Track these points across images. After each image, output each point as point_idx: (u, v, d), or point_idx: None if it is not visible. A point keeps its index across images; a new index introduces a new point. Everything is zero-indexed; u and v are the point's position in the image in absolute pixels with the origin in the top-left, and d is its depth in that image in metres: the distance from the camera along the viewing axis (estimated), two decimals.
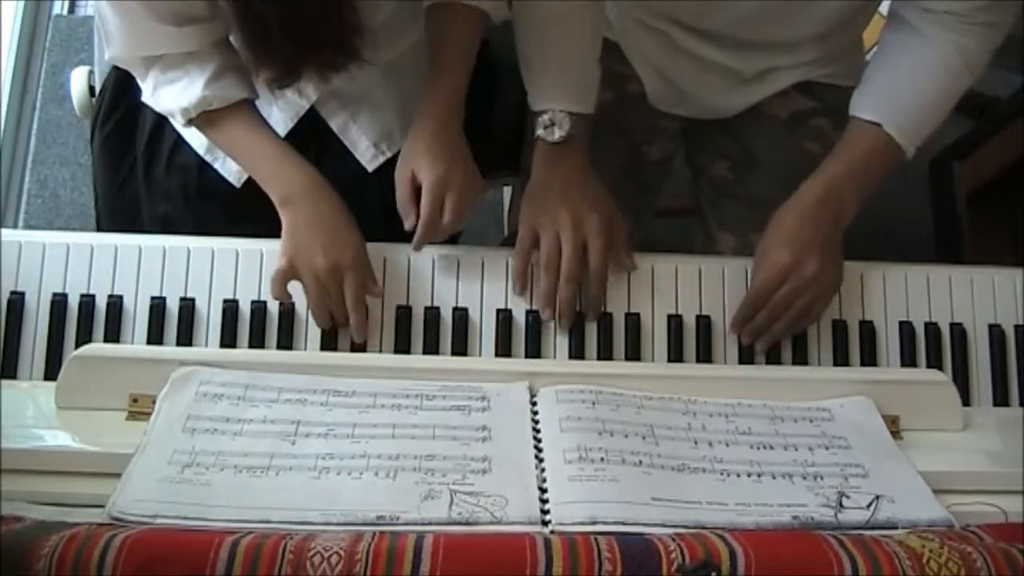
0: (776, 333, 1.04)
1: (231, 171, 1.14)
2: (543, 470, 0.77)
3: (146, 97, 1.06)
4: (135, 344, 0.99)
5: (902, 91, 1.06)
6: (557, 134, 1.05)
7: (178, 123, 1.07)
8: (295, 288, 1.01)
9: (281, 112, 1.14)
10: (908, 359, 1.04)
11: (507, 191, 1.66)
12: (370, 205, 1.12)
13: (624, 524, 0.71)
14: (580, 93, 1.07)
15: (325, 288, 0.99)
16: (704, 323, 1.04)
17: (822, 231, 1.04)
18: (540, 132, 1.06)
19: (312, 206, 1.01)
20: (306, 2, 0.93)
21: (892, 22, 1.08)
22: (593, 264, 1.02)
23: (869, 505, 0.75)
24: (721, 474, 0.79)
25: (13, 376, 0.98)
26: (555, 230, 1.03)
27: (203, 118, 1.03)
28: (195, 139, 1.15)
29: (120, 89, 1.20)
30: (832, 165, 1.06)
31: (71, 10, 2.25)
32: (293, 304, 1.01)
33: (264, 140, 1.05)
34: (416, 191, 1.02)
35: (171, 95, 1.02)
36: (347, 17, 0.97)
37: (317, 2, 0.94)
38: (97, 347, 0.96)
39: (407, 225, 1.02)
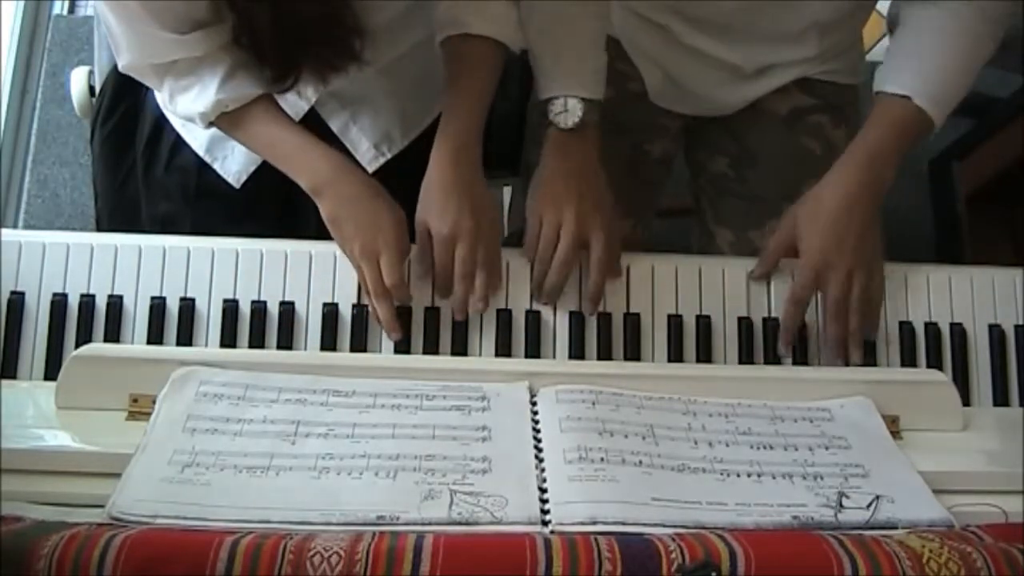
0: (859, 328, 1.02)
1: (230, 172, 1.14)
2: (543, 470, 0.77)
3: (163, 105, 1.05)
4: (135, 344, 0.99)
5: (926, 61, 1.05)
6: (571, 120, 1.04)
7: (199, 127, 1.06)
8: (295, 289, 1.01)
9: None
10: (908, 359, 1.04)
11: (507, 191, 1.66)
12: None
13: (624, 524, 0.71)
14: (591, 79, 1.07)
15: (372, 267, 0.98)
16: (704, 323, 1.03)
17: (861, 215, 1.02)
18: (554, 119, 1.05)
19: (342, 188, 1.01)
20: (296, 3, 0.93)
21: (911, 4, 1.08)
22: (595, 255, 1.01)
23: (869, 505, 0.75)
24: (721, 474, 0.79)
25: (13, 376, 0.98)
26: (557, 223, 1.02)
27: (223, 120, 1.02)
28: (195, 139, 1.15)
29: (120, 89, 1.20)
30: (863, 142, 1.05)
31: (71, 10, 2.25)
32: (293, 304, 1.01)
33: (286, 133, 1.03)
34: (430, 240, 1.00)
35: (187, 102, 1.02)
36: (344, 18, 0.97)
37: (308, 4, 0.94)
38: (97, 347, 0.96)
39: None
